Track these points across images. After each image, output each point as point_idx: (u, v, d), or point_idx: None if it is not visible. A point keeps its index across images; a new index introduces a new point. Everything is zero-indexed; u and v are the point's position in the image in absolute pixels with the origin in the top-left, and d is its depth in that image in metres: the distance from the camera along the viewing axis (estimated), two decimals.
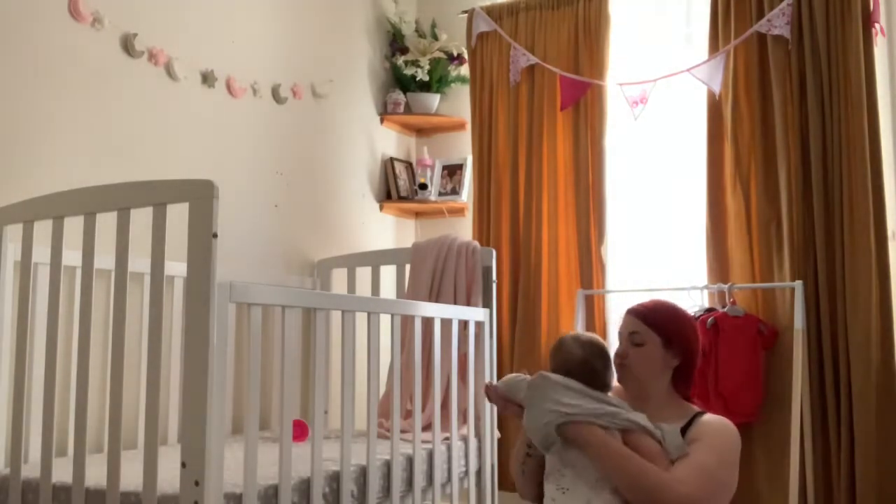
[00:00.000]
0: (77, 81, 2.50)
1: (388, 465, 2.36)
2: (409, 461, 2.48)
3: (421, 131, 4.13)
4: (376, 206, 3.84)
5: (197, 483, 1.65)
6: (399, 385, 2.42)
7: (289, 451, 1.94)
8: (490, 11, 3.82)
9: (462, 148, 3.98)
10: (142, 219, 1.87)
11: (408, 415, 2.89)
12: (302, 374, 3.17)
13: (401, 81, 3.94)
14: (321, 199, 3.50)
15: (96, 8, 2.55)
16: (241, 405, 2.84)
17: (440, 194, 3.94)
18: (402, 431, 2.58)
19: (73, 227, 1.98)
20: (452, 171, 3.97)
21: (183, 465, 1.68)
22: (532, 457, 1.91)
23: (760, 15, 3.19)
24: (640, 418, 1.77)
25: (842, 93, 3.01)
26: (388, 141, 3.95)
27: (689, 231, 3.42)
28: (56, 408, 2.00)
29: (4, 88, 2.30)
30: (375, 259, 3.42)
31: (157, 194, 1.83)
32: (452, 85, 4.01)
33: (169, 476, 1.79)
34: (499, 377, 3.08)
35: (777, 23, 3.13)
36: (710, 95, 3.30)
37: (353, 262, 3.42)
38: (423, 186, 3.91)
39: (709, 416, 1.88)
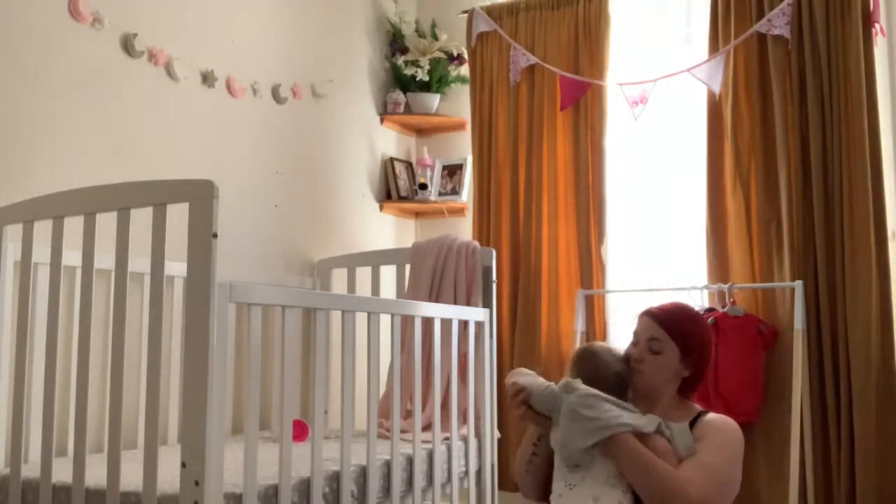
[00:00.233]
0: (77, 81, 2.50)
1: (388, 465, 2.36)
2: (409, 461, 2.48)
3: (421, 131, 4.13)
4: (376, 206, 3.84)
5: (197, 483, 1.65)
6: (399, 385, 2.42)
7: (289, 451, 1.94)
8: (490, 11, 3.82)
9: (462, 148, 3.98)
10: (142, 219, 1.87)
11: (408, 415, 2.88)
12: (302, 374, 3.17)
13: (401, 81, 3.94)
14: (321, 199, 3.49)
15: (96, 8, 2.55)
16: (241, 405, 2.84)
17: (440, 194, 3.94)
18: (402, 431, 2.58)
19: (73, 227, 1.97)
20: (452, 171, 3.97)
21: (183, 465, 1.68)
22: (538, 455, 1.92)
23: (760, 15, 3.19)
24: (659, 422, 1.80)
25: (842, 93, 3.02)
26: (388, 141, 3.95)
27: (689, 231, 3.42)
28: (56, 408, 1.99)
29: (4, 88, 2.30)
30: (375, 259, 3.42)
31: (157, 194, 1.83)
32: (452, 85, 4.00)
33: (169, 476, 1.79)
34: (499, 377, 3.08)
35: (777, 23, 3.13)
36: (710, 95, 3.30)
37: (353, 262, 3.42)
38: (423, 186, 3.91)
39: (712, 416, 1.90)
